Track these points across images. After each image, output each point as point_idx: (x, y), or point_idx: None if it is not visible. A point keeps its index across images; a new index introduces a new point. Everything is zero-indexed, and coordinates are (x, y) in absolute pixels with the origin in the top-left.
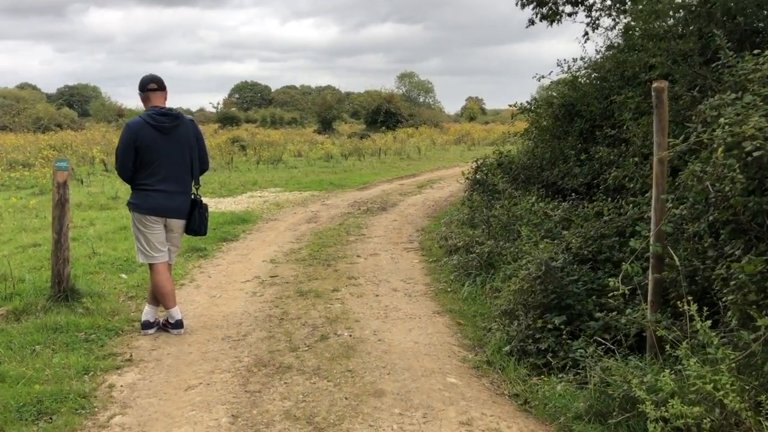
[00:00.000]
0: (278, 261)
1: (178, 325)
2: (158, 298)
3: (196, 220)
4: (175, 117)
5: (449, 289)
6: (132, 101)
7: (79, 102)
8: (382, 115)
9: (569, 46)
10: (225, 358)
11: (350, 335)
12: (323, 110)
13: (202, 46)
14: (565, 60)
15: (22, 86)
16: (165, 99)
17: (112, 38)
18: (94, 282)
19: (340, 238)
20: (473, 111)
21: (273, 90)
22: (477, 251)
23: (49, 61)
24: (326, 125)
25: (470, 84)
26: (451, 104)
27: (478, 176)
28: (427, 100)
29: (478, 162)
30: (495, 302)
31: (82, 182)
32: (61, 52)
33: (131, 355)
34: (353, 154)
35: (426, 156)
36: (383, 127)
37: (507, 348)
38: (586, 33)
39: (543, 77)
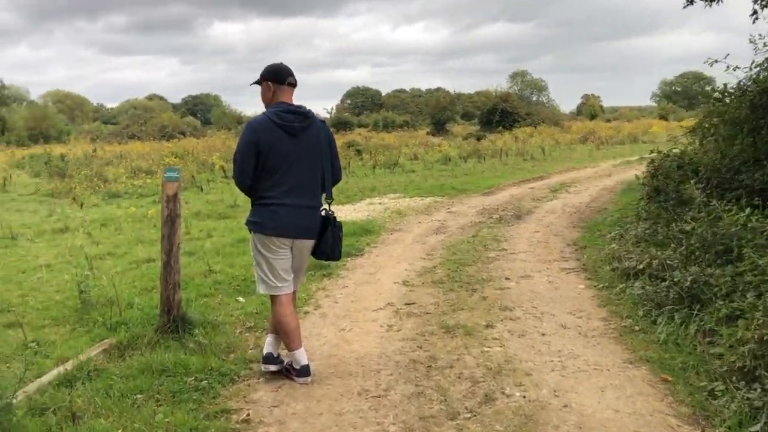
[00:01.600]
0: (412, 283)
1: (305, 372)
2: (281, 337)
3: (328, 241)
4: (305, 116)
5: (637, 328)
6: (251, 109)
7: (201, 111)
8: (498, 114)
9: (697, 37)
10: (364, 424)
11: (523, 396)
12: (436, 112)
13: (316, 54)
14: (760, 36)
15: (151, 97)
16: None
17: (232, 49)
18: (208, 307)
19: (478, 254)
20: (594, 108)
21: (384, 94)
22: (672, 278)
23: (176, 73)
24: (439, 127)
25: (585, 81)
26: (565, 102)
27: (656, 182)
28: (540, 99)
29: (655, 164)
30: (712, 351)
31: (201, 189)
32: (187, 64)
33: (248, 414)
34: (472, 155)
35: (551, 156)
36: (499, 127)
37: (756, 428)
38: (755, 12)
39: (716, 61)
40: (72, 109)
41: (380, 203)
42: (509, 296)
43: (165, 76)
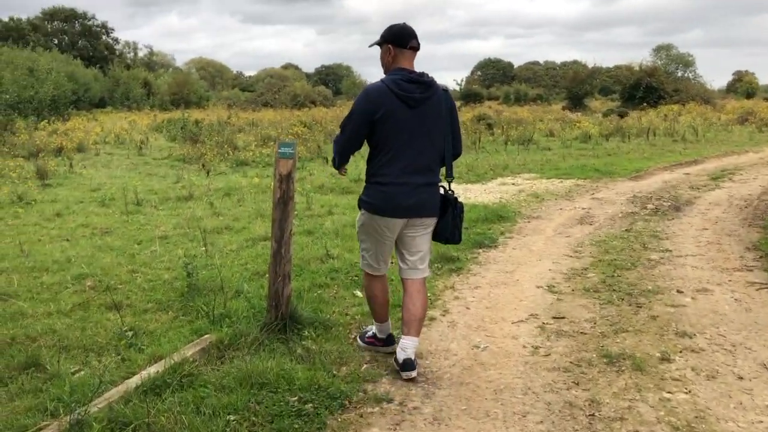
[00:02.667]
0: (558, 288)
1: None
2: (369, 307)
3: (448, 224)
4: (428, 86)
5: None
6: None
7: (333, 80)
8: (642, 90)
9: None
10: None
11: None
12: (574, 85)
13: (449, 24)
14: None
15: (286, 66)
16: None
17: (367, 19)
18: (322, 301)
19: (636, 255)
20: (751, 86)
21: (516, 66)
22: None
23: (312, 42)
24: (576, 102)
25: (736, 57)
26: (714, 79)
27: None
28: (686, 75)
29: None
30: None
31: (326, 161)
32: (323, 34)
33: None
34: (615, 134)
35: (705, 138)
36: (643, 104)
37: None
38: None
39: None
40: (213, 76)
41: (514, 184)
42: (686, 317)
43: (302, 45)
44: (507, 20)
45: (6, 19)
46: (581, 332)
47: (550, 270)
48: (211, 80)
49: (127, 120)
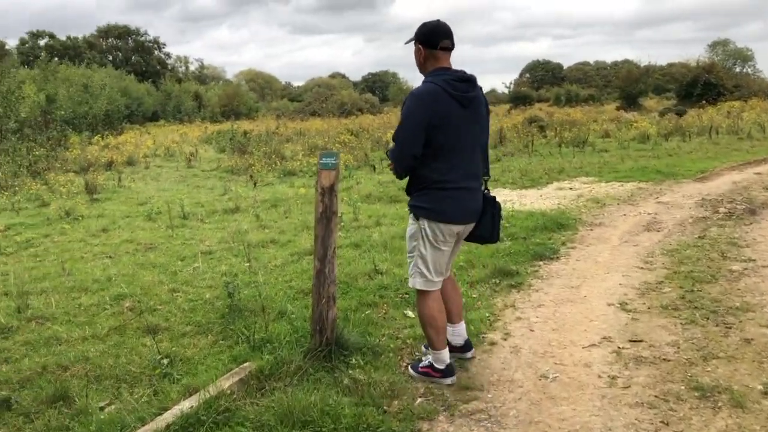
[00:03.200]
0: (632, 306)
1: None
2: (426, 333)
3: (488, 224)
4: (474, 83)
5: None
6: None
7: (379, 88)
8: (700, 87)
9: None
10: None
11: None
12: (627, 84)
13: (495, 27)
14: None
15: (334, 75)
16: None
17: (413, 25)
18: (370, 322)
19: (715, 265)
20: None
21: (565, 67)
22: None
23: (359, 50)
24: (630, 101)
25: None
26: None
27: None
28: (745, 70)
29: None
30: None
31: (374, 169)
32: (370, 41)
33: None
34: (674, 133)
35: None
36: (702, 101)
37: None
38: None
39: None
40: (262, 88)
41: (571, 188)
42: None
43: (349, 54)
44: (554, 21)
45: (63, 38)
46: (664, 359)
47: (620, 284)
48: (261, 91)
49: (179, 132)
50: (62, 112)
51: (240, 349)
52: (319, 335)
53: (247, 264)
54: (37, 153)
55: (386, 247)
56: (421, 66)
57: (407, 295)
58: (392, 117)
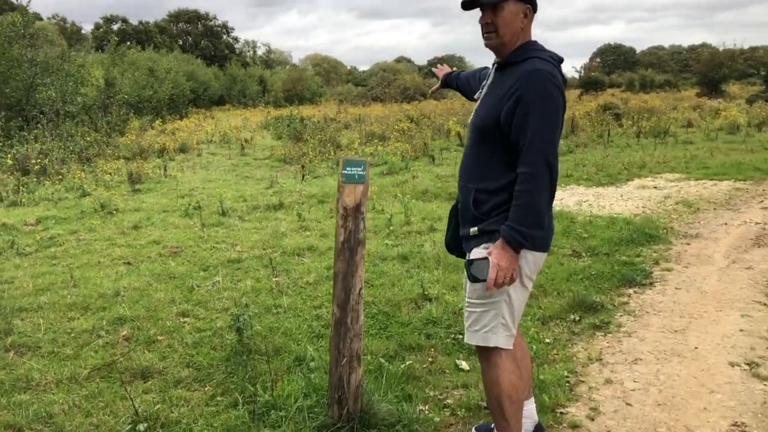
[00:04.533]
0: (767, 368)
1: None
2: (499, 411)
3: None
4: None
5: None
6: None
7: None
8: None
9: None
10: None
11: None
12: (709, 69)
13: (568, 11)
14: None
15: (399, 59)
16: None
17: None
18: (410, 378)
19: None
20: None
21: (638, 51)
22: None
23: (426, 35)
24: (712, 87)
25: None
26: None
27: None
28: None
29: None
30: None
31: (432, 160)
32: (437, 26)
33: None
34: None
35: None
36: None
37: None
38: None
39: None
40: (328, 72)
41: (656, 187)
42: None
43: (416, 38)
44: (629, 4)
45: (136, 23)
46: None
47: (741, 330)
48: (326, 76)
49: (241, 117)
50: (125, 96)
51: (237, 416)
52: (338, 407)
53: (275, 280)
54: (88, 138)
55: (439, 263)
56: (516, 36)
57: (461, 336)
58: (455, 103)
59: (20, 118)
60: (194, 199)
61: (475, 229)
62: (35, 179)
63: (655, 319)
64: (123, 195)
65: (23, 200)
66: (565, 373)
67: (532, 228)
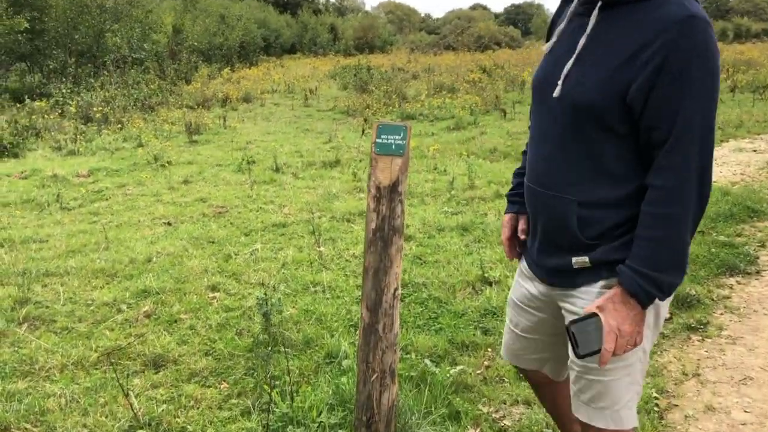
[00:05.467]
0: None
1: None
2: None
3: None
4: None
5: None
6: None
7: (522, 20)
8: None
9: None
10: None
11: None
12: None
13: None
14: None
15: (474, 7)
16: None
17: None
18: (461, 388)
19: None
20: None
21: None
22: None
23: None
24: None
25: None
26: None
27: None
28: None
29: None
30: None
31: (504, 114)
32: None
33: None
34: None
35: None
36: None
37: None
38: None
39: None
40: (401, 20)
41: (755, 150)
42: None
43: None
44: None
45: None
46: None
47: None
48: (399, 24)
49: (311, 66)
50: (194, 43)
51: (249, 429)
52: (366, 429)
53: (318, 250)
54: (152, 86)
55: (501, 263)
56: None
57: None
58: (532, 52)
59: (90, 65)
60: (249, 154)
61: (585, 259)
62: (96, 128)
63: (765, 321)
64: (179, 146)
65: (80, 149)
66: (654, 393)
67: (671, 272)
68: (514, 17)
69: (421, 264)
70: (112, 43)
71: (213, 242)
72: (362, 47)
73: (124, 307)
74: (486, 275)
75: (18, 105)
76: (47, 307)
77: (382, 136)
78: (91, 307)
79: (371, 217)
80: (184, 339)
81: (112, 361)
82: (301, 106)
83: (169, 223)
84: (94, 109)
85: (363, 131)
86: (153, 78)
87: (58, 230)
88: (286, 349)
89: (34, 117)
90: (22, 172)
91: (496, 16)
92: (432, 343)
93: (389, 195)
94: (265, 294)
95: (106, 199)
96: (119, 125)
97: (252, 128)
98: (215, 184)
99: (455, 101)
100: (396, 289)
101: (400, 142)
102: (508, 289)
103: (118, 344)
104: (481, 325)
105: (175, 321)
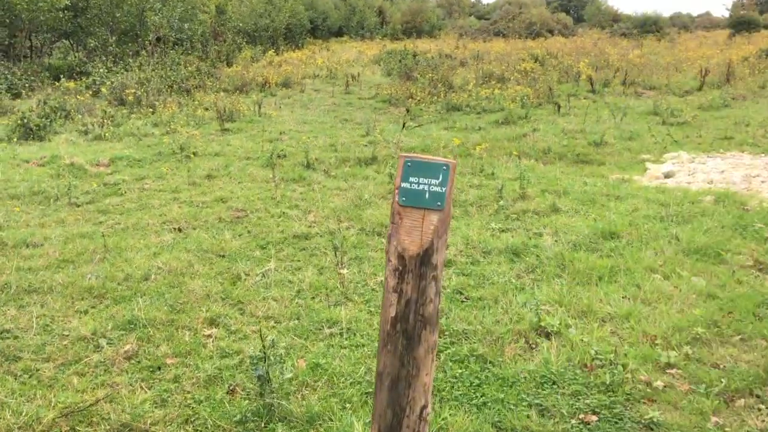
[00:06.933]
0: None
1: None
2: None
3: None
4: None
5: None
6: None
7: (575, 7)
8: None
9: None
10: None
11: None
12: None
13: None
14: None
15: None
16: None
17: None
18: None
19: None
20: None
21: None
22: None
23: None
24: None
25: None
26: None
27: None
28: None
29: None
30: None
31: (558, 109)
32: None
33: None
34: None
35: None
36: None
37: None
38: None
39: None
40: (450, 4)
41: None
42: None
43: None
44: None
45: None
46: None
47: None
48: (448, 8)
49: (357, 50)
50: (238, 23)
51: None
52: None
53: (341, 273)
54: (189, 68)
55: (563, 268)
56: None
57: (595, 415)
58: (586, 41)
59: (132, 44)
60: (280, 147)
61: None
62: (127, 110)
63: None
64: (210, 134)
65: (107, 134)
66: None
67: None
68: (567, 4)
69: (462, 302)
70: (152, 22)
71: (223, 256)
72: (410, 31)
73: (103, 343)
74: (542, 323)
75: (55, 83)
76: (16, 337)
77: (411, 179)
78: (65, 342)
79: (390, 300)
80: (163, 397)
81: (69, 427)
82: (341, 93)
83: (179, 229)
84: (127, 90)
85: (404, 125)
86: (193, 59)
87: (57, 231)
88: (286, 426)
89: (66, 97)
90: (41, 158)
91: (548, 2)
92: (473, 428)
93: (418, 269)
94: (263, 349)
95: (120, 195)
96: (151, 109)
97: (288, 116)
98: (240, 181)
99: (505, 92)
100: (424, 408)
101: (438, 189)
102: (570, 346)
103: (82, 402)
104: (536, 401)
105: (159, 368)
